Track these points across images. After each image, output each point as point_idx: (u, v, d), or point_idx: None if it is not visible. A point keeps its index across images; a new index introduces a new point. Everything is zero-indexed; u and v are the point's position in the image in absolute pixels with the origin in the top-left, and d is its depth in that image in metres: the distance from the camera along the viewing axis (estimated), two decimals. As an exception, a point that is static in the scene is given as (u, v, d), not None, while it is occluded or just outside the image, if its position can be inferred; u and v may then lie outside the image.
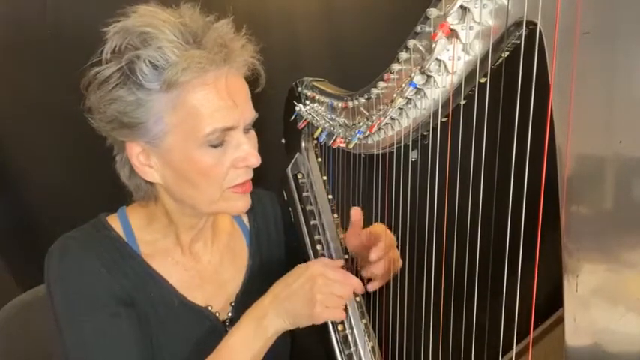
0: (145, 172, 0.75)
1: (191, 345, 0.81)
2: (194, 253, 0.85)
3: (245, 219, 0.95)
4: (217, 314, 0.85)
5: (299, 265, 0.78)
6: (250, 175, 0.77)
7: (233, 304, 0.86)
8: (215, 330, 0.83)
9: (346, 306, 0.88)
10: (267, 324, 0.74)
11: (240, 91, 0.74)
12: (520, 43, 0.57)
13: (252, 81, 0.78)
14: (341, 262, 0.83)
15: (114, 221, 0.82)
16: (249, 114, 0.75)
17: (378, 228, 0.86)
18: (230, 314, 0.86)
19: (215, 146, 0.72)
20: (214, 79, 0.70)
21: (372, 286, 0.84)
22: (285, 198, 1.01)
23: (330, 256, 0.93)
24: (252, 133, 0.78)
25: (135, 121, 0.70)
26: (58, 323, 0.75)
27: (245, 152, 0.74)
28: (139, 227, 0.82)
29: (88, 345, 0.73)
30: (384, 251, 0.82)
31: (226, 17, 0.75)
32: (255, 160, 0.75)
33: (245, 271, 0.90)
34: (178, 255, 0.84)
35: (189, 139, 0.71)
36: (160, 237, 0.83)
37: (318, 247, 0.94)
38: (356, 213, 0.86)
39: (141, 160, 0.74)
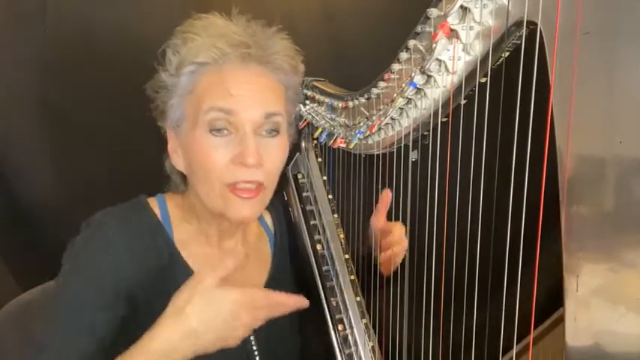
0: (174, 160, 0.79)
1: None
2: (225, 250, 0.84)
3: (270, 223, 0.95)
4: None
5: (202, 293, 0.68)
6: (251, 177, 0.73)
7: None
8: None
9: (346, 305, 0.88)
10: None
11: (253, 85, 0.74)
12: (520, 43, 0.57)
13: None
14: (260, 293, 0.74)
15: (153, 204, 0.82)
16: (256, 107, 0.73)
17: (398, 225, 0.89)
18: None
19: (217, 134, 0.72)
20: (228, 71, 0.73)
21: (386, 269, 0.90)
22: (285, 198, 1.01)
23: (330, 256, 0.93)
24: (275, 140, 0.76)
25: (164, 107, 0.77)
26: (58, 278, 0.74)
27: (244, 147, 0.72)
28: (174, 214, 0.82)
29: (61, 311, 0.72)
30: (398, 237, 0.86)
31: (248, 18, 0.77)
32: (252, 159, 0.71)
33: (268, 272, 0.89)
34: (208, 250, 0.83)
35: (195, 122, 0.73)
36: (191, 227, 0.82)
37: (318, 247, 0.94)
38: (387, 194, 0.87)
39: (172, 146, 0.78)
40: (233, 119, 0.72)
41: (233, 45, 0.73)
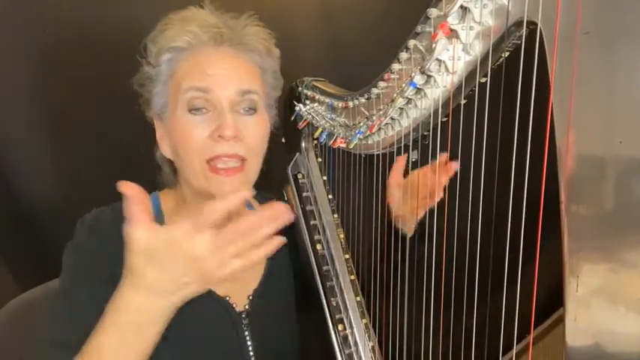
0: (163, 148, 0.81)
1: (206, 332, 0.81)
2: None
3: None
4: (235, 305, 0.85)
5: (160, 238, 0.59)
6: (231, 150, 0.74)
7: (250, 297, 0.87)
8: (231, 320, 0.83)
9: (346, 305, 0.88)
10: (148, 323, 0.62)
11: (227, 64, 0.77)
12: (520, 43, 0.57)
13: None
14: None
15: None
16: (231, 83, 0.76)
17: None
18: (247, 307, 0.86)
19: (196, 111, 0.75)
20: (202, 54, 0.76)
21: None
22: (286, 198, 1.01)
23: (330, 256, 0.93)
24: (254, 117, 0.78)
25: (148, 94, 0.80)
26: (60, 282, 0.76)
27: (222, 121, 0.73)
28: (168, 210, 0.84)
29: (65, 305, 0.73)
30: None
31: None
32: (230, 131, 0.72)
33: (264, 267, 0.90)
34: None
35: (176, 104, 0.75)
36: None
37: (318, 246, 0.94)
38: (401, 159, 0.89)
39: (159, 135, 0.81)
40: (210, 97, 0.75)
41: (204, 27, 0.76)
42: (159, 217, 0.82)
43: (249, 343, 0.83)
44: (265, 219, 0.59)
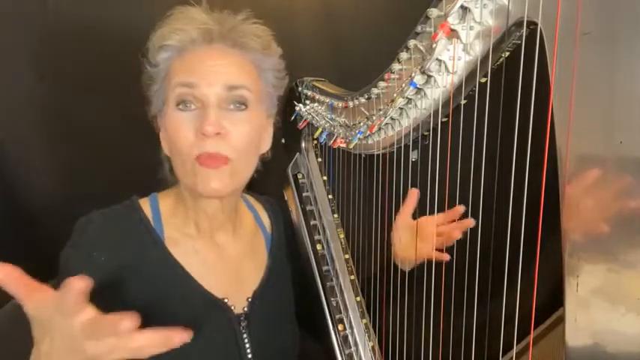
0: (164, 145, 0.81)
1: (204, 335, 0.81)
2: (218, 243, 0.85)
3: (267, 223, 0.95)
4: (233, 307, 0.84)
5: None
6: (214, 148, 0.74)
7: (250, 299, 0.86)
8: (229, 322, 0.82)
9: (346, 305, 0.88)
10: None
11: (216, 61, 0.77)
12: (521, 43, 0.57)
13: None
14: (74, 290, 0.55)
15: (145, 204, 0.84)
16: (218, 77, 0.75)
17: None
18: (246, 309, 0.85)
19: (184, 107, 0.75)
20: (194, 52, 0.76)
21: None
22: (286, 198, 1.01)
23: (330, 256, 0.93)
24: (241, 114, 0.77)
25: (150, 94, 0.81)
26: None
27: (205, 117, 0.73)
28: (166, 211, 0.84)
29: None
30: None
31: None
32: (210, 129, 0.72)
33: (264, 270, 0.89)
34: (200, 243, 0.84)
35: (169, 102, 0.76)
36: (183, 223, 0.83)
37: (318, 247, 0.94)
38: (414, 193, 0.89)
39: (161, 134, 0.81)
40: (197, 92, 0.74)
41: (194, 24, 0.76)
42: (156, 219, 0.82)
43: (247, 345, 0.82)
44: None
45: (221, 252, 0.86)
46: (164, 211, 0.84)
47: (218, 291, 0.83)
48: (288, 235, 0.97)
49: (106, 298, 0.68)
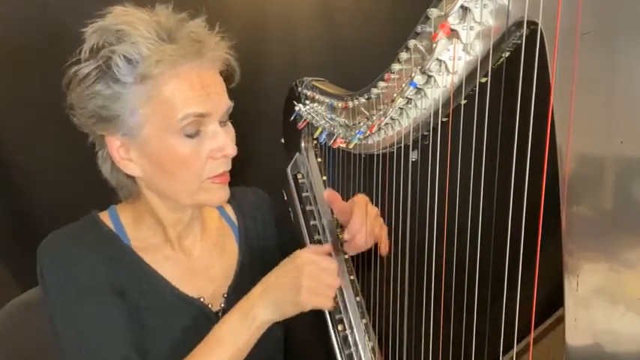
0: (125, 166, 0.77)
1: (184, 335, 0.81)
2: (184, 248, 0.87)
3: (233, 217, 0.96)
4: (210, 305, 0.85)
5: (290, 255, 0.78)
6: (229, 166, 0.78)
7: (225, 295, 0.87)
8: (208, 320, 0.83)
9: (346, 305, 0.88)
10: (254, 315, 0.75)
11: (213, 83, 0.75)
12: (521, 43, 0.57)
13: (227, 77, 0.79)
14: (329, 248, 0.84)
15: (105, 217, 0.84)
16: (224, 105, 0.76)
17: (359, 199, 0.88)
18: (223, 305, 0.87)
19: (191, 136, 0.74)
20: (187, 71, 0.72)
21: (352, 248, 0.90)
22: (285, 198, 1.01)
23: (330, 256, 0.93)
24: (230, 126, 0.79)
25: (113, 114, 0.73)
26: (51, 314, 0.75)
27: (222, 142, 0.75)
28: (128, 224, 0.84)
29: (80, 332, 0.74)
30: (357, 228, 0.85)
31: (200, 16, 0.76)
32: (232, 150, 0.76)
33: (236, 265, 0.91)
34: (169, 251, 0.85)
35: (166, 129, 0.72)
36: (149, 235, 0.84)
37: (318, 247, 0.94)
38: (328, 194, 0.91)
39: (121, 154, 0.76)
40: (205, 120, 0.74)
41: (184, 40, 0.71)
42: (119, 230, 0.82)
43: None
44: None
45: (190, 255, 0.87)
46: (126, 223, 0.84)
47: (193, 292, 0.84)
48: (289, 230, 0.98)
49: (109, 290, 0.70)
